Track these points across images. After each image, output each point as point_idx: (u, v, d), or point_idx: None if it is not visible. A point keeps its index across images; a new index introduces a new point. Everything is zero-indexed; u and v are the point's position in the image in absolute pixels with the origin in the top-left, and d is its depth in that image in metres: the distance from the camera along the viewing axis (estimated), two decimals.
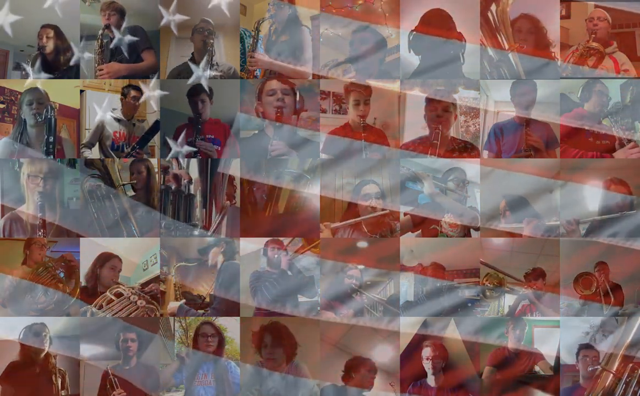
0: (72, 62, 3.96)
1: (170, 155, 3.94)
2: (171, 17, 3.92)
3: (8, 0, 3.93)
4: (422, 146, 3.95)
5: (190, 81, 3.94)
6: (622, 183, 3.88)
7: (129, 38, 3.93)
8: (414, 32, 3.93)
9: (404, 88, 3.95)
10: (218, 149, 3.96)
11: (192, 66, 3.94)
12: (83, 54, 3.94)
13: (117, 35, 3.94)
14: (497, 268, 3.91)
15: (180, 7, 3.93)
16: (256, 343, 3.91)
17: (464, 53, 3.92)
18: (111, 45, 3.95)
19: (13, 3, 3.93)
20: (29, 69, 3.93)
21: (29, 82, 3.93)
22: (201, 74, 3.92)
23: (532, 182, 3.90)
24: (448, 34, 3.92)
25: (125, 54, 3.95)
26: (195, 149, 3.94)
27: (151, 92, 3.93)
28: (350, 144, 3.94)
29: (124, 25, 3.95)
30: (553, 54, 3.93)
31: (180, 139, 3.92)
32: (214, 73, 3.93)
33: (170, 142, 3.93)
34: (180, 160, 3.94)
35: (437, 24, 3.93)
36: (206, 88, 3.94)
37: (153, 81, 3.93)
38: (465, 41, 3.91)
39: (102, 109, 3.98)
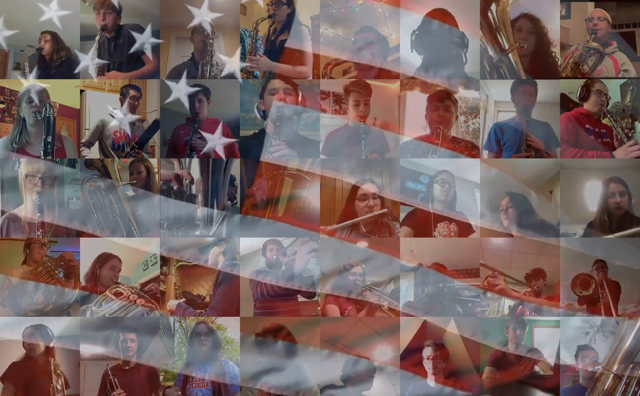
0: (77, 69, 3.95)
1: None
2: (204, 16, 3.89)
3: (2, 16, 3.92)
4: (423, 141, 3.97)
5: (224, 73, 3.94)
6: (622, 183, 3.89)
7: (152, 41, 3.91)
8: (417, 32, 3.93)
9: (404, 88, 3.95)
10: None
11: (224, 59, 3.92)
12: (93, 60, 3.93)
13: (140, 39, 3.91)
14: (497, 269, 3.91)
15: (212, 5, 3.92)
16: (256, 343, 3.91)
17: (466, 52, 3.92)
18: (132, 49, 3.93)
19: (8, 16, 3.92)
20: (27, 68, 3.93)
21: (29, 82, 3.93)
22: (235, 65, 3.91)
23: (532, 182, 3.92)
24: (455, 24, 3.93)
25: (149, 55, 3.93)
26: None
27: (184, 88, 3.91)
28: (350, 143, 3.94)
29: (121, 22, 3.95)
30: (553, 54, 3.93)
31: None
32: (246, 64, 3.92)
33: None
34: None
35: (442, 19, 3.94)
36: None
37: (184, 77, 3.91)
38: (467, 40, 3.92)
39: (122, 110, 3.96)
